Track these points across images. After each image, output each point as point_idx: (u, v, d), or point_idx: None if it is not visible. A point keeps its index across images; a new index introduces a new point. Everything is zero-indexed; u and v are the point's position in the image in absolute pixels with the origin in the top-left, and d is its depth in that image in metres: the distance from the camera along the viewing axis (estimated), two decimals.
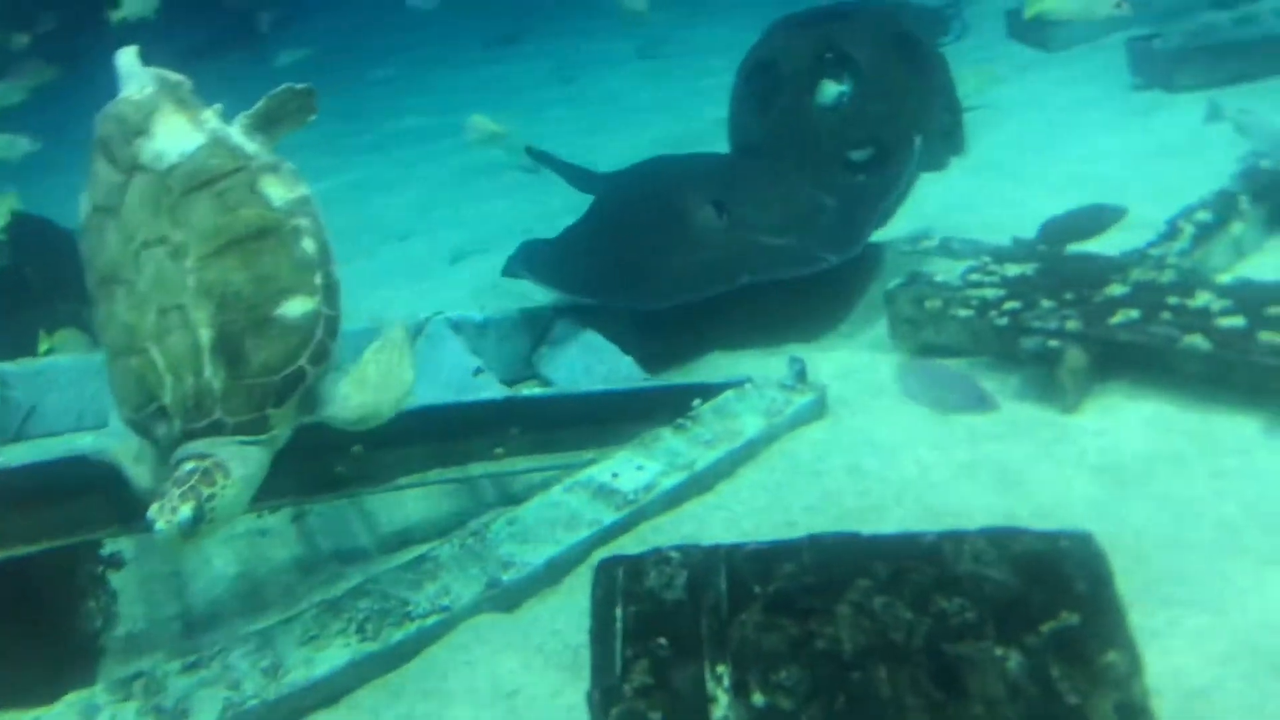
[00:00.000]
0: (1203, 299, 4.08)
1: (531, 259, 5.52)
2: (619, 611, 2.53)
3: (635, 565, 2.60)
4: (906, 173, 5.42)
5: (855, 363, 4.64)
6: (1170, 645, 2.90)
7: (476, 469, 4.20)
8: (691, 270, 5.04)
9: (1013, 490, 3.65)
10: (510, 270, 5.56)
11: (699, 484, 3.97)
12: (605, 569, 2.60)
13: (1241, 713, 2.71)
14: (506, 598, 3.56)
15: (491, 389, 4.41)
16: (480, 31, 14.19)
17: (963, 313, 4.45)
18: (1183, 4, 7.97)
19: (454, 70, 12.91)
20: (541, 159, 7.33)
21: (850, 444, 4.07)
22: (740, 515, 3.81)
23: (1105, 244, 4.75)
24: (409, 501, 4.37)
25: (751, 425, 4.16)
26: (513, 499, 4.18)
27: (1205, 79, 7.05)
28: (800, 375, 4.36)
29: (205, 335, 2.97)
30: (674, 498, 3.91)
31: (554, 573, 3.64)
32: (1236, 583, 3.06)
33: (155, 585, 4.14)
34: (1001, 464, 3.79)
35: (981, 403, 3.65)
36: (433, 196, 8.32)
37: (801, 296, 5.10)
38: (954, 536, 2.59)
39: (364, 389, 3.12)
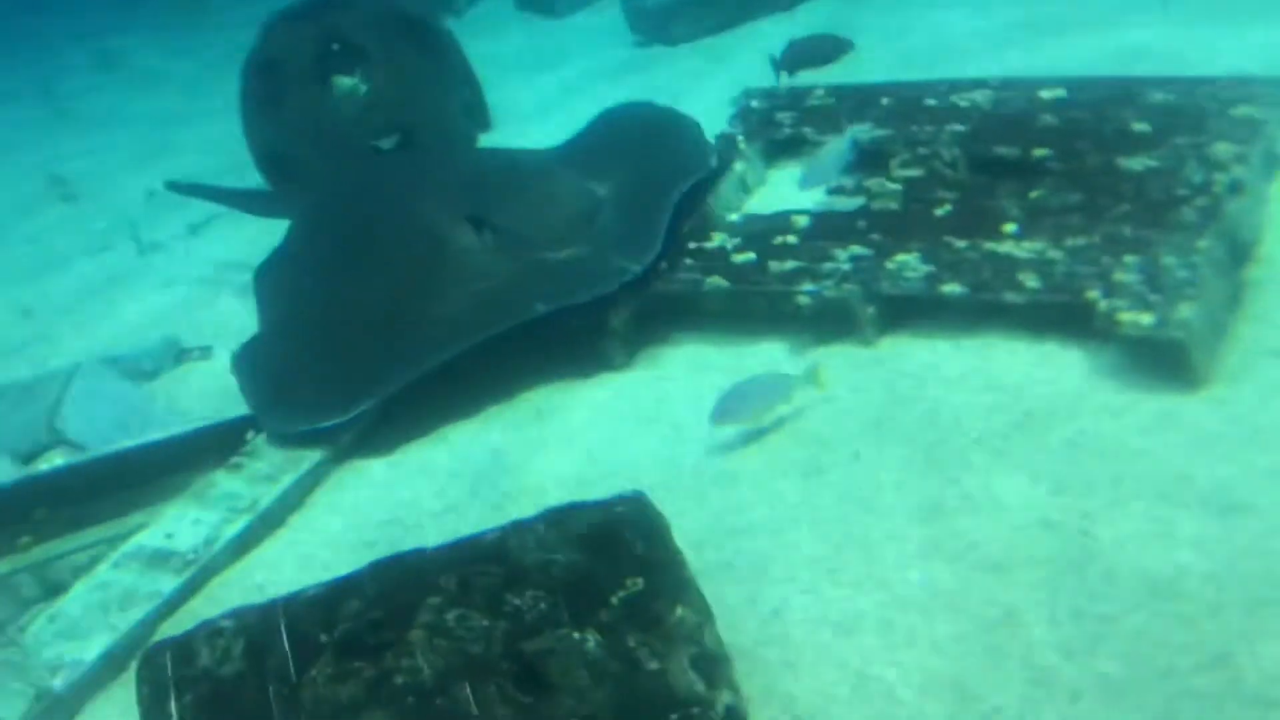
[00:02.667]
0: (718, 239, 4.33)
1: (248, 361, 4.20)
2: (173, 705, 2.26)
3: (184, 647, 2.33)
4: (707, 153, 4.67)
5: None
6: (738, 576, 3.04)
7: (2, 567, 3.67)
8: (464, 312, 3.92)
9: (581, 457, 3.69)
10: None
11: (267, 522, 3.69)
12: (149, 660, 2.31)
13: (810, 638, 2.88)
14: (62, 708, 3.12)
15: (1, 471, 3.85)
16: None
17: None
18: None
19: None
20: (194, 192, 5.92)
21: (422, 441, 3.95)
22: (315, 547, 3.59)
23: None
24: None
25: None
26: (60, 588, 3.67)
27: (695, 30, 7.52)
28: None
29: None
30: (242, 544, 3.61)
31: (116, 663, 3.24)
32: (787, 498, 3.27)
33: None
34: (567, 434, 3.83)
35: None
36: None
37: None
38: (516, 528, 2.56)
39: None
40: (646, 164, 4.60)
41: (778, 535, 3.14)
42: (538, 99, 7.33)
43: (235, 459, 3.87)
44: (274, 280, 4.60)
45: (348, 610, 2.38)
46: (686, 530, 3.12)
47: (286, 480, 3.77)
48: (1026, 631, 2.63)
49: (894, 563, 2.92)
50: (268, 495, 3.72)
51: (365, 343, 3.99)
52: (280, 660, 2.30)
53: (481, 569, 2.44)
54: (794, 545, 3.09)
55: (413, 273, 4.08)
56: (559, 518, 2.55)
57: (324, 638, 2.33)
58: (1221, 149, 3.94)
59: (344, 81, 6.24)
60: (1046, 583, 2.73)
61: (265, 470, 3.82)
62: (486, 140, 6.89)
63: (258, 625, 2.37)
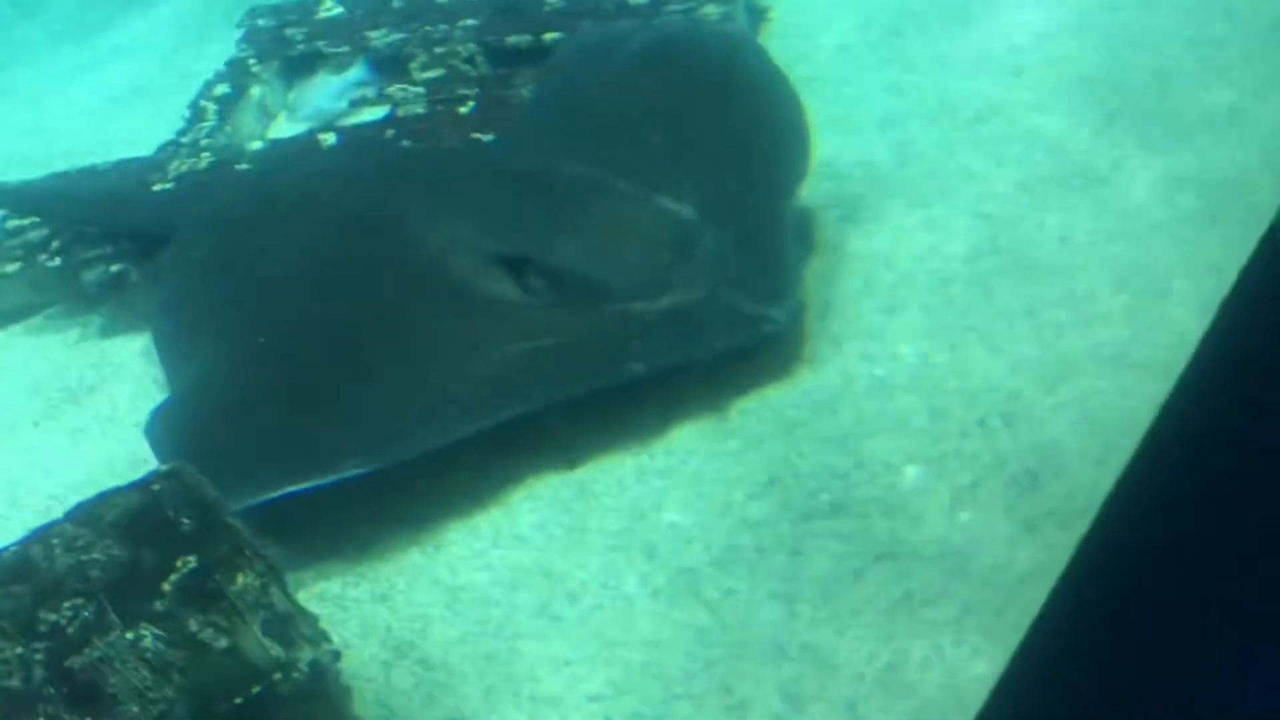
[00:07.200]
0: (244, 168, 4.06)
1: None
2: None
3: None
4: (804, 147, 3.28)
5: None
6: None
7: None
8: (503, 376, 2.78)
9: None
10: None
11: None
12: None
13: None
14: None
15: None
16: None
17: (10, 267, 3.95)
18: None
19: None
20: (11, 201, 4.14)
21: None
22: None
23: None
24: None
25: None
26: None
27: None
28: None
29: None
30: None
31: None
32: None
33: None
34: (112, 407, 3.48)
35: None
36: None
37: None
38: (40, 536, 2.28)
39: None
40: (722, 151, 3.28)
41: None
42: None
43: None
44: (195, 318, 3.23)
45: None
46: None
47: None
48: (597, 501, 2.72)
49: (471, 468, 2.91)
50: None
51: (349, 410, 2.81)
52: None
53: (4, 592, 2.16)
54: (375, 475, 3.00)
55: (416, 337, 2.90)
56: (88, 513, 2.29)
57: None
58: (709, 10, 4.16)
59: None
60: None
61: None
62: None
63: None
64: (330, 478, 2.63)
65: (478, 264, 2.95)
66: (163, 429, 2.88)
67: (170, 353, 3.18)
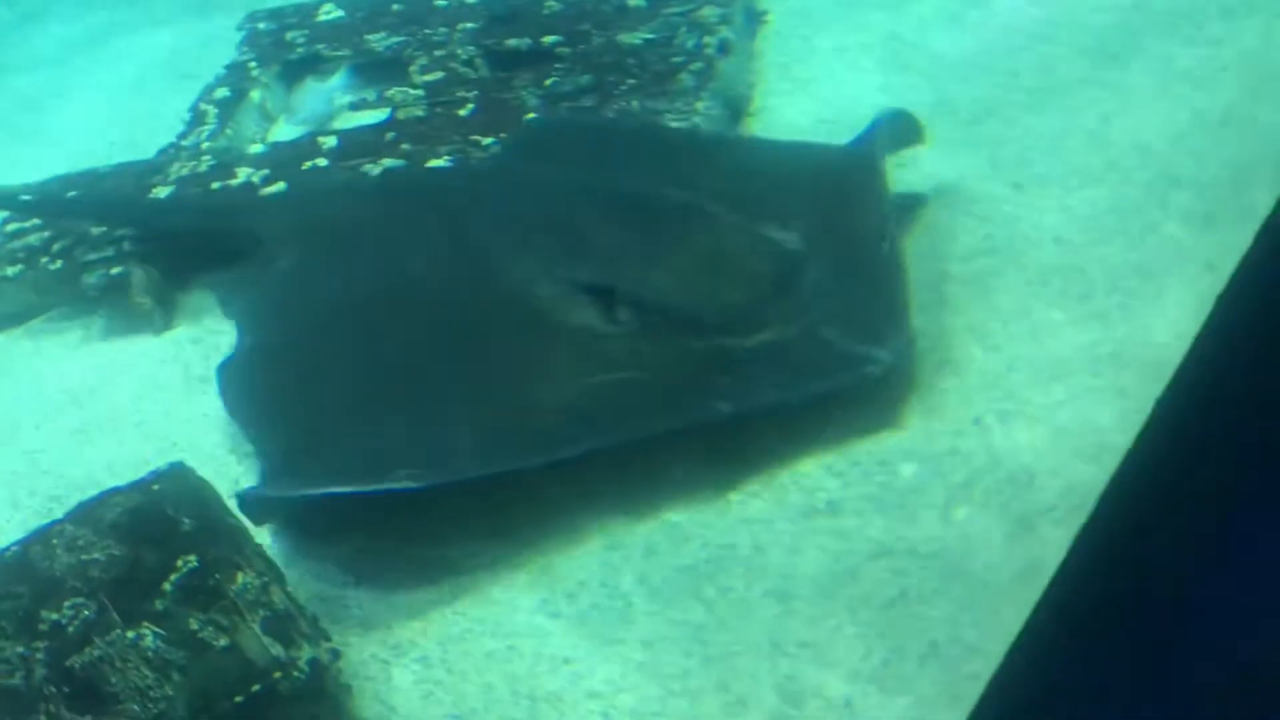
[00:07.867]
0: (243, 174, 4.07)
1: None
2: None
3: None
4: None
5: None
6: None
7: None
8: (582, 411, 2.69)
9: (150, 441, 3.37)
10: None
11: None
12: None
13: None
14: None
15: None
16: None
17: (11, 270, 3.96)
18: None
19: None
20: (44, 208, 4.10)
21: None
22: None
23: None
24: None
25: None
26: None
27: None
28: None
29: None
30: None
31: None
32: None
33: None
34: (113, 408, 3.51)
35: None
36: None
37: None
38: (40, 536, 2.31)
39: None
40: (830, 175, 3.18)
41: None
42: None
43: None
44: (284, 315, 3.27)
45: None
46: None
47: None
48: (597, 500, 2.73)
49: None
50: None
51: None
52: None
53: (4, 591, 2.18)
54: None
55: (489, 361, 2.83)
56: (89, 512, 2.32)
57: None
58: (708, 13, 4.18)
59: None
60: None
61: None
62: None
63: None
64: (380, 487, 2.54)
65: (561, 291, 2.85)
66: (235, 395, 2.99)
67: (251, 343, 3.18)
